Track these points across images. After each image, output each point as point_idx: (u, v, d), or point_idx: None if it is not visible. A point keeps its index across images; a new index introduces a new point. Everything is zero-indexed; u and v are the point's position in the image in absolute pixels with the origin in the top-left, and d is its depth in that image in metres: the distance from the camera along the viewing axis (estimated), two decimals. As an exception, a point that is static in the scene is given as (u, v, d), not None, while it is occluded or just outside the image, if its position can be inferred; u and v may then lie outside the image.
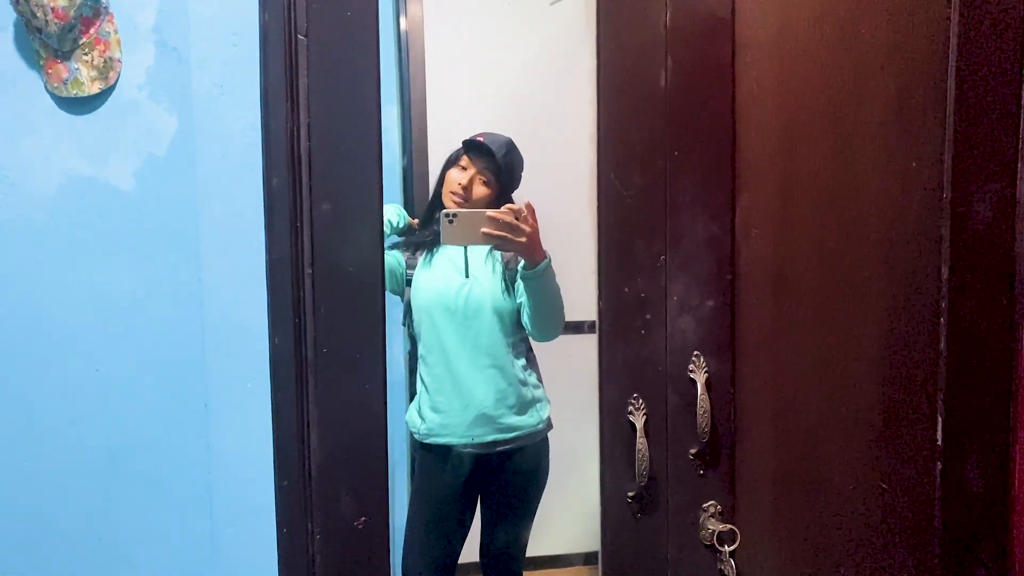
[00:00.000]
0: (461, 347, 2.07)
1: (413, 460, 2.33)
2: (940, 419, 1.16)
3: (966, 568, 1.14)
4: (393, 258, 2.13)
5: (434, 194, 2.19)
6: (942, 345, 1.15)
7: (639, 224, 1.21)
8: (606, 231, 1.22)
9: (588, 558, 3.13)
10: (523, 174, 2.18)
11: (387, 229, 2.11)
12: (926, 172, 1.13)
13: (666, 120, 1.19)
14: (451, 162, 2.13)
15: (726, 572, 1.24)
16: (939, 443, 1.16)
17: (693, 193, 1.21)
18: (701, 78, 1.20)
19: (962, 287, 1.11)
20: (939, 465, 1.16)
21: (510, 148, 2.10)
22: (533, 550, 2.74)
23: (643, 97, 1.20)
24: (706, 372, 1.22)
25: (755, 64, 1.20)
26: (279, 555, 1.20)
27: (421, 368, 2.16)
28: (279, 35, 1.15)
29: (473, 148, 2.08)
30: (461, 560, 2.26)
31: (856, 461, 1.20)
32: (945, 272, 1.14)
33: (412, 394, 2.31)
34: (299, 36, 1.14)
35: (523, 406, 2.13)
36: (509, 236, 1.73)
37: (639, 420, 1.22)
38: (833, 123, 1.18)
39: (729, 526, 1.23)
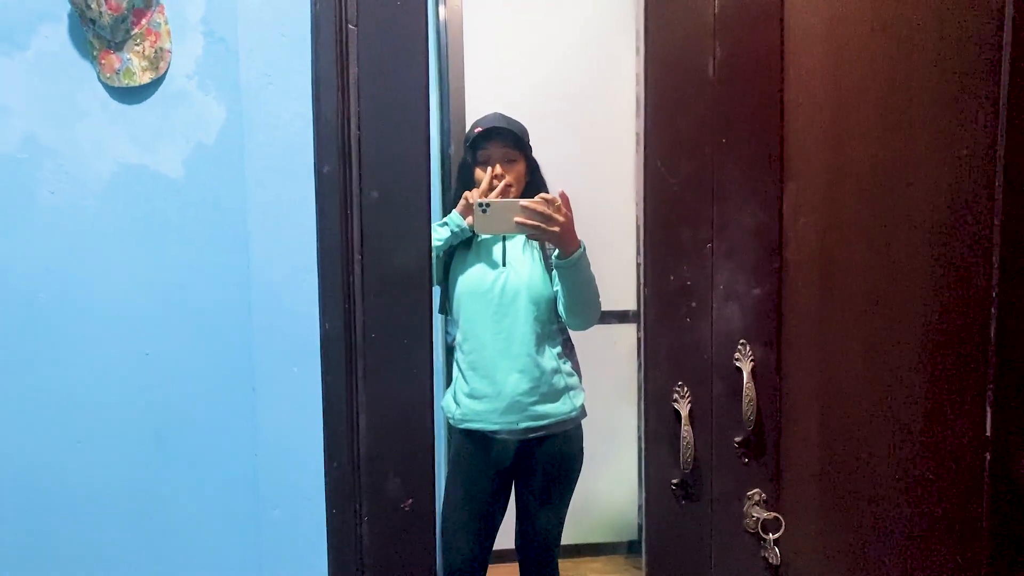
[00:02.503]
0: (496, 335, 2.08)
1: (449, 445, 2.35)
2: (990, 410, 1.15)
3: (1016, 560, 1.13)
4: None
5: (456, 199, 2.20)
6: (992, 334, 1.14)
7: (685, 211, 1.21)
8: (651, 218, 1.21)
9: (631, 546, 3.13)
10: (557, 158, 2.18)
11: (447, 236, 2.11)
12: (978, 159, 1.12)
13: (714, 107, 1.19)
14: (469, 165, 2.13)
15: (770, 560, 1.24)
16: (988, 434, 1.15)
17: (740, 180, 1.20)
18: (749, 65, 1.19)
19: (1014, 276, 1.09)
20: (988, 456, 1.15)
21: (507, 117, 2.11)
22: (575, 538, 2.75)
23: (690, 85, 1.19)
24: (752, 360, 1.22)
25: (804, 50, 1.19)
26: (328, 535, 1.22)
27: (458, 355, 2.18)
28: (330, 24, 1.16)
29: (480, 139, 2.08)
30: (498, 547, 2.27)
31: (903, 451, 1.20)
32: (996, 261, 1.13)
33: (449, 381, 2.33)
34: (350, 25, 1.15)
35: (556, 394, 2.13)
36: (542, 225, 1.73)
37: (684, 408, 1.22)
38: (883, 109, 1.17)
39: (773, 514, 1.23)
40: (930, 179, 1.15)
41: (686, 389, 1.23)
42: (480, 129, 2.08)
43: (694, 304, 1.22)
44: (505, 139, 2.06)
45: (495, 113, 2.12)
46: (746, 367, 1.22)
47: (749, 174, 1.20)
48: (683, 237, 1.21)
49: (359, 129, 1.16)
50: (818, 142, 1.20)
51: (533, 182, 2.12)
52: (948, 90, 1.14)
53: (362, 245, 1.18)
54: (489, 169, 2.03)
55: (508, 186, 2.05)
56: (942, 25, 1.13)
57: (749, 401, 1.20)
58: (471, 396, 2.13)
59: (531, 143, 2.14)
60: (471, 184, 2.11)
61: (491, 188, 2.03)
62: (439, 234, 2.08)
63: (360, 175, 1.17)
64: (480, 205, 1.74)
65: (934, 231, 1.15)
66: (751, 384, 1.21)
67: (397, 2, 1.15)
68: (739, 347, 1.23)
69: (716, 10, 1.18)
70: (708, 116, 1.19)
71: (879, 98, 1.17)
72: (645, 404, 1.24)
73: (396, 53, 1.17)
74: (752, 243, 1.21)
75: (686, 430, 1.21)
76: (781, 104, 1.20)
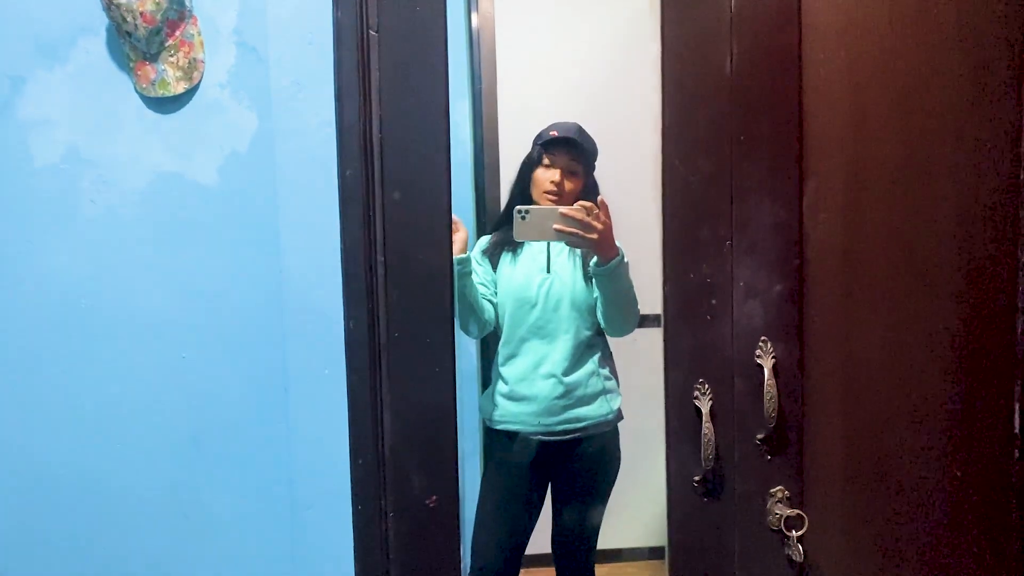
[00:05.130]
0: (539, 339, 2.11)
1: (485, 446, 2.38)
2: (1017, 406, 1.13)
3: (1045, 558, 1.11)
4: (485, 285, 2.16)
5: (513, 196, 2.22)
6: (1019, 330, 1.13)
7: (704, 209, 1.21)
8: (671, 217, 1.22)
9: (653, 552, 3.10)
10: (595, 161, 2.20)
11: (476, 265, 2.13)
12: (1001, 154, 1.11)
13: (731, 106, 1.19)
14: (533, 163, 2.15)
15: (793, 557, 1.24)
16: (1016, 431, 1.13)
17: (759, 178, 1.20)
18: (767, 64, 1.19)
19: (1039, 270, 1.08)
20: (1017, 454, 1.13)
21: (583, 132, 2.13)
22: (612, 542, 2.74)
23: (708, 83, 1.20)
24: (773, 357, 1.22)
25: (822, 48, 1.19)
26: (354, 531, 1.24)
27: (499, 358, 2.20)
28: (351, 31, 1.19)
29: (552, 144, 2.10)
30: (536, 551, 2.28)
31: (928, 448, 1.18)
32: (1022, 256, 1.12)
33: (485, 384, 2.36)
34: (371, 32, 1.18)
35: (594, 396, 2.15)
36: (580, 232, 1.75)
37: (705, 405, 1.22)
38: (904, 106, 1.16)
39: (797, 511, 1.22)
40: (952, 175, 1.14)
41: (707, 386, 1.23)
42: (555, 133, 2.10)
43: (714, 301, 1.22)
44: (575, 150, 2.09)
45: (575, 123, 2.14)
46: (767, 364, 1.21)
47: (768, 171, 1.20)
48: (702, 234, 1.22)
49: (381, 132, 1.19)
50: (837, 139, 1.20)
51: (587, 199, 2.13)
52: (970, 86, 1.13)
53: (385, 245, 1.20)
54: (554, 173, 2.08)
55: (560, 195, 2.07)
56: (961, 20, 1.12)
57: (770, 398, 1.20)
58: (509, 398, 2.15)
59: (595, 164, 2.17)
60: (530, 179, 2.14)
61: (548, 192, 2.06)
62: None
63: (382, 177, 1.19)
64: (520, 212, 1.77)
65: (958, 227, 1.14)
66: (772, 381, 1.20)
67: (417, 8, 1.18)
68: (760, 344, 1.23)
69: (733, 8, 1.18)
70: (726, 114, 1.20)
71: (899, 94, 1.16)
72: (667, 402, 1.25)
73: (416, 58, 1.19)
74: (772, 240, 1.21)
75: (707, 427, 1.21)
76: (799, 101, 1.20)
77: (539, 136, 2.14)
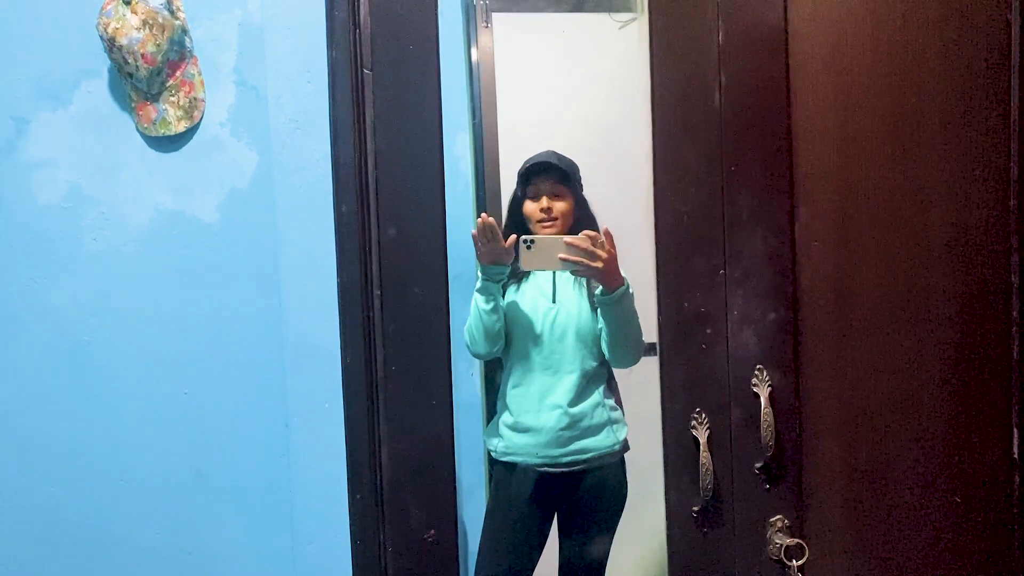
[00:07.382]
0: (544, 370, 2.10)
1: (490, 478, 2.36)
2: (1016, 431, 1.13)
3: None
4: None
5: (508, 229, 2.23)
6: (1015, 355, 1.13)
7: (697, 239, 1.22)
8: (663, 247, 1.23)
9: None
10: (595, 193, 2.21)
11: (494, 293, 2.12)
12: (991, 179, 1.12)
13: (721, 136, 1.20)
14: (519, 200, 2.17)
15: (795, 587, 1.23)
16: (1016, 456, 1.13)
17: (751, 207, 1.21)
18: (755, 94, 1.20)
19: (1033, 295, 1.08)
20: (1017, 478, 1.13)
21: (557, 154, 2.15)
22: (620, 574, 2.70)
23: (698, 114, 1.21)
24: (769, 386, 1.22)
25: (810, 79, 1.20)
26: (353, 567, 1.24)
27: (504, 389, 2.20)
28: (346, 70, 1.21)
29: (530, 175, 2.12)
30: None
31: (928, 475, 1.18)
32: (1015, 280, 1.12)
33: (490, 415, 2.35)
34: (365, 70, 1.20)
35: (599, 427, 2.14)
36: (586, 261, 1.76)
37: (702, 435, 1.22)
38: (892, 134, 1.17)
39: (797, 540, 1.22)
40: (944, 201, 1.15)
41: (704, 416, 1.23)
42: (530, 164, 2.13)
43: (709, 331, 1.22)
44: (553, 174, 2.11)
45: (548, 150, 2.16)
46: (763, 392, 1.21)
47: (759, 201, 1.21)
48: (695, 264, 1.22)
49: (376, 168, 1.20)
50: (827, 168, 1.21)
51: (581, 218, 2.14)
52: (957, 112, 1.14)
53: (381, 280, 1.21)
54: (541, 201, 2.09)
55: (555, 219, 2.09)
56: (947, 47, 1.13)
57: (767, 426, 1.20)
58: (514, 429, 2.15)
59: (581, 181, 2.18)
60: (521, 216, 2.15)
61: (540, 221, 2.07)
62: (487, 298, 2.08)
63: (378, 213, 1.21)
64: (525, 242, 1.78)
65: (950, 252, 1.15)
66: (769, 409, 1.20)
67: (410, 47, 1.20)
68: (756, 372, 1.23)
69: (720, 41, 1.20)
70: (716, 145, 1.21)
71: (887, 122, 1.18)
72: (664, 432, 1.24)
73: (410, 95, 1.21)
74: (765, 269, 1.22)
75: (705, 457, 1.21)
76: (788, 131, 1.21)
77: (519, 172, 2.17)
